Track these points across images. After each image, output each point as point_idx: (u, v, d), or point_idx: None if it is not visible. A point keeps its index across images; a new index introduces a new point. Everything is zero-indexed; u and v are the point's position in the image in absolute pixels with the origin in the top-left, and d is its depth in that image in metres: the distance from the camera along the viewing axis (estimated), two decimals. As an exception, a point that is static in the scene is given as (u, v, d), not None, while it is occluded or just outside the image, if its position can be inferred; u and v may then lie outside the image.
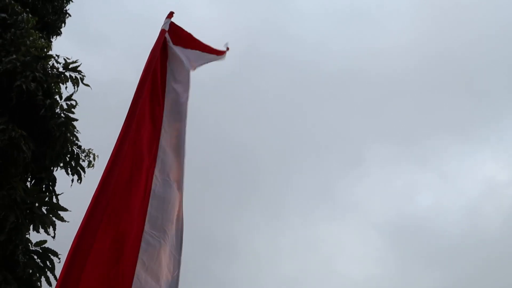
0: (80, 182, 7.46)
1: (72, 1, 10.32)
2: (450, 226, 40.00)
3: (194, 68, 4.11)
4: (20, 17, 7.79)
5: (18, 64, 6.85)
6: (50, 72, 7.30)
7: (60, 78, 7.42)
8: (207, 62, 4.21)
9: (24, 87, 6.67)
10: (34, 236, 6.60)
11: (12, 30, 7.50)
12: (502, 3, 41.56)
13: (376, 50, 44.64)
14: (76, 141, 7.42)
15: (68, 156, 7.35)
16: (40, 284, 6.38)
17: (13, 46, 7.26)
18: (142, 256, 3.07)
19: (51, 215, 6.53)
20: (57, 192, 7.23)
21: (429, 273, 35.47)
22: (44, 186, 7.20)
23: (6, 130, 6.36)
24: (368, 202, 43.12)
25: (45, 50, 7.61)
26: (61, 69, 7.54)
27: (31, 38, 7.48)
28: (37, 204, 6.47)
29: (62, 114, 7.25)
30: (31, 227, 6.46)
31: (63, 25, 10.10)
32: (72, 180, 7.44)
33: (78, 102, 7.46)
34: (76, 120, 7.34)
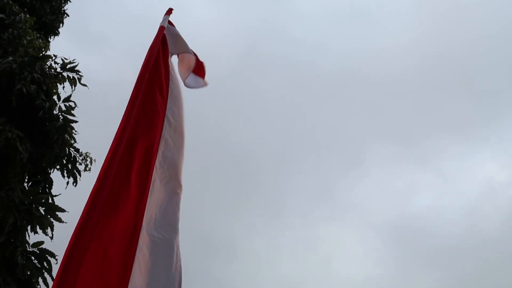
0: (76, 185, 7.45)
1: (70, 1, 10.31)
2: (449, 226, 40.03)
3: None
4: (18, 17, 7.77)
5: (15, 65, 6.82)
6: (48, 72, 7.28)
7: (58, 78, 7.40)
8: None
9: (24, 90, 6.66)
10: (31, 237, 6.59)
11: (10, 30, 7.47)
12: (502, 3, 41.60)
13: (376, 50, 44.65)
14: (74, 144, 7.40)
15: (65, 158, 7.33)
16: (38, 285, 6.37)
17: (11, 46, 7.24)
18: (138, 255, 3.04)
19: (49, 216, 6.52)
20: (53, 194, 7.21)
21: (429, 273, 35.49)
22: (40, 188, 7.18)
23: (2, 131, 6.34)
24: (368, 202, 43.12)
25: (43, 50, 7.59)
26: (59, 70, 7.51)
27: (28, 38, 7.46)
28: (34, 205, 6.45)
29: (60, 116, 7.23)
30: (29, 228, 6.45)
31: (61, 25, 10.08)
32: (68, 183, 7.43)
33: (77, 102, 7.46)
34: (75, 122, 7.33)
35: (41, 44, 7.71)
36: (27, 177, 7.18)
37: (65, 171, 7.40)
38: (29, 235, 6.53)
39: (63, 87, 7.51)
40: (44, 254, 6.42)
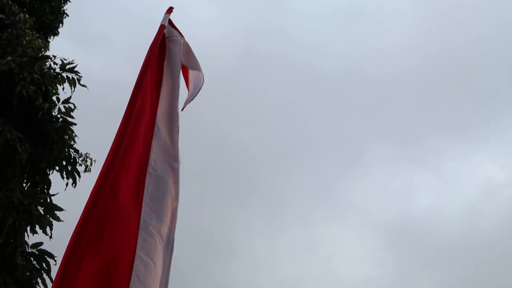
0: (75, 186, 7.45)
1: (70, 1, 10.30)
2: (449, 226, 40.02)
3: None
4: (17, 17, 7.76)
5: (14, 65, 6.82)
6: (47, 73, 7.27)
7: (57, 79, 7.40)
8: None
9: (24, 93, 6.66)
10: (30, 238, 6.60)
11: (9, 30, 7.47)
12: (502, 3, 41.60)
13: (376, 50, 44.63)
14: (74, 145, 7.40)
15: (65, 159, 7.33)
16: (38, 286, 6.37)
17: (10, 47, 7.23)
18: (139, 252, 3.04)
19: (48, 216, 6.53)
20: (51, 194, 7.22)
21: (429, 273, 35.50)
22: (39, 189, 7.19)
23: (2, 132, 6.34)
24: (368, 202, 43.11)
25: (42, 50, 7.59)
26: (58, 70, 7.51)
27: (28, 38, 7.45)
28: (33, 206, 6.45)
29: (60, 117, 7.23)
30: (28, 228, 6.46)
31: (60, 25, 10.07)
32: (67, 184, 7.42)
33: (77, 102, 7.47)
34: (75, 124, 7.33)
35: (41, 44, 7.71)
36: (26, 178, 7.18)
37: (64, 172, 7.40)
38: (28, 236, 6.54)
39: (63, 88, 7.52)
40: (43, 255, 6.43)
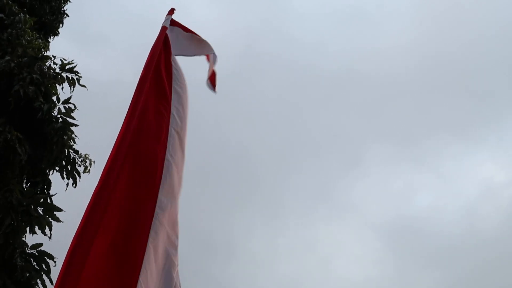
0: (75, 187, 7.46)
1: (70, 1, 10.31)
2: (449, 226, 40.02)
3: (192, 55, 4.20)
4: (17, 17, 7.76)
5: (13, 64, 6.82)
6: (47, 73, 7.27)
7: (57, 79, 7.39)
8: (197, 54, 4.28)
9: (21, 92, 6.65)
10: (29, 239, 6.59)
11: (9, 30, 7.46)
12: (502, 3, 41.61)
13: (376, 50, 44.62)
14: (73, 145, 7.40)
15: (64, 160, 7.32)
16: (37, 287, 6.35)
17: (10, 47, 7.23)
18: (145, 263, 3.01)
19: (47, 216, 6.52)
20: (51, 195, 7.22)
21: (429, 273, 35.49)
22: (39, 189, 7.18)
23: (2, 132, 6.33)
24: (367, 202, 43.09)
25: (42, 50, 7.59)
26: (58, 70, 7.50)
27: (28, 38, 7.45)
28: (33, 206, 6.44)
29: (60, 117, 7.22)
30: (28, 229, 6.45)
31: (60, 25, 10.07)
32: (67, 184, 7.43)
33: (77, 102, 7.46)
34: (75, 125, 7.32)
35: (41, 44, 7.70)
36: (25, 179, 7.17)
37: (64, 172, 7.40)
38: (25, 236, 6.53)
39: (62, 87, 7.51)
40: (43, 256, 6.41)
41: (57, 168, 7.35)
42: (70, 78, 7.53)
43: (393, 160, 44.78)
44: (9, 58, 6.88)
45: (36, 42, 7.60)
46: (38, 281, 6.35)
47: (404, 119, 44.81)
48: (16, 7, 7.91)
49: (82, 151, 7.60)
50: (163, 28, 3.90)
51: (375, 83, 44.16)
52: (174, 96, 3.76)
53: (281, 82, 42.36)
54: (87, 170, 7.57)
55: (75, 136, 7.38)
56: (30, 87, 6.77)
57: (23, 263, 6.27)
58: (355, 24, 47.66)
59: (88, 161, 7.56)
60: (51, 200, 7.01)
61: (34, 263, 6.40)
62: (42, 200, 6.65)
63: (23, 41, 7.35)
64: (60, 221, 6.62)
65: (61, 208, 6.67)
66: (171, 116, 3.63)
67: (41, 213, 6.54)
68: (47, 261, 6.42)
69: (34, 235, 6.57)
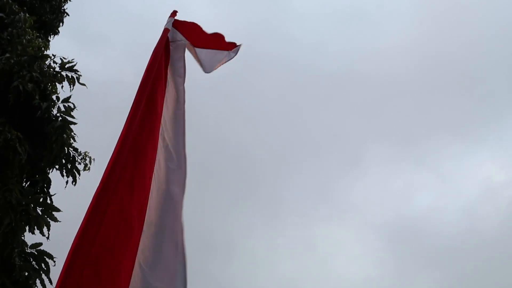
0: (75, 184, 7.45)
1: (70, 0, 10.30)
2: (449, 226, 40.01)
3: (211, 70, 4.14)
4: (17, 16, 7.75)
5: (12, 61, 6.81)
6: (46, 72, 7.26)
7: (57, 78, 7.39)
8: (220, 63, 4.22)
9: (21, 88, 6.64)
10: (28, 238, 6.58)
11: (9, 29, 7.46)
12: (502, 3, 41.59)
13: (376, 50, 44.59)
14: (73, 143, 7.39)
15: (64, 158, 7.32)
16: (36, 287, 6.35)
17: (10, 46, 7.22)
18: (139, 257, 3.02)
19: (46, 216, 6.51)
20: (51, 194, 7.21)
21: (429, 273, 35.49)
22: (39, 188, 7.17)
23: (2, 131, 6.33)
24: (367, 202, 43.07)
25: (42, 49, 7.58)
26: (57, 69, 7.50)
27: (27, 37, 7.44)
28: (32, 206, 6.44)
29: (59, 116, 7.22)
30: (27, 228, 6.44)
31: (61, 24, 10.06)
32: (67, 182, 7.42)
33: (77, 101, 7.45)
34: (74, 123, 7.32)
35: (41, 43, 7.70)
36: (25, 178, 7.17)
37: (64, 170, 7.39)
38: (25, 236, 6.52)
39: (62, 86, 7.50)
40: (42, 256, 6.41)
41: (56, 167, 7.35)
42: (70, 77, 7.53)
43: (393, 160, 44.77)
44: (9, 55, 6.87)
45: (36, 41, 7.59)
46: (38, 280, 6.34)
47: (404, 119, 44.79)
48: (16, 6, 7.90)
49: (81, 150, 7.61)
50: (165, 31, 3.91)
51: (375, 83, 44.15)
52: (166, 102, 3.77)
53: (281, 82, 42.35)
54: (87, 168, 7.56)
55: (75, 134, 7.37)
56: (29, 84, 6.76)
57: (22, 263, 6.26)
58: (355, 24, 47.63)
59: (88, 159, 7.55)
60: (50, 199, 7.01)
61: (34, 263, 6.39)
62: (41, 200, 6.64)
63: (23, 40, 7.34)
64: (58, 221, 6.61)
65: (60, 208, 6.67)
66: (162, 124, 3.65)
67: (40, 213, 6.53)
68: (46, 261, 6.41)
69: (33, 234, 6.56)
